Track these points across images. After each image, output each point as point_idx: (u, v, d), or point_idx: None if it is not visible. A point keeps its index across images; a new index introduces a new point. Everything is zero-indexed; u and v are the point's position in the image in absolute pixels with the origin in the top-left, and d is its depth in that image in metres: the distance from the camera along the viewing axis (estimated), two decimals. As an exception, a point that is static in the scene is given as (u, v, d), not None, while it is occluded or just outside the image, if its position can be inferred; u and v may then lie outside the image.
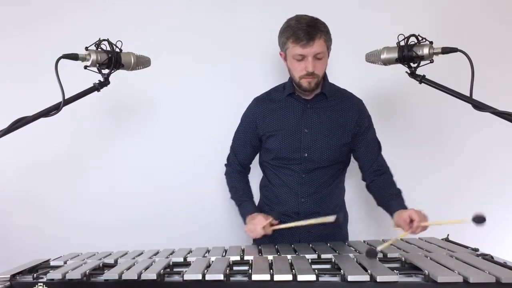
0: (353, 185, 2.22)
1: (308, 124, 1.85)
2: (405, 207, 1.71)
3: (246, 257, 1.52)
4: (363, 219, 2.35)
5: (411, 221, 1.57)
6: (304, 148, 1.83)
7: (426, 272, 1.25)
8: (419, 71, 1.56)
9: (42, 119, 1.42)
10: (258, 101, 1.95)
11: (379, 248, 1.47)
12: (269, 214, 1.78)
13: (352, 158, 1.97)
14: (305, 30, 1.69)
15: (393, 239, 1.61)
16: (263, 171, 2.00)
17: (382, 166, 1.91)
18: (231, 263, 1.47)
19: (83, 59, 1.52)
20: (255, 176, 2.06)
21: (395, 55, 1.56)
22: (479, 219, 1.42)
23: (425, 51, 1.52)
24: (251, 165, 2.05)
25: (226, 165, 2.04)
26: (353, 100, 1.93)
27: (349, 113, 1.88)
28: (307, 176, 1.85)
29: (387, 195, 1.81)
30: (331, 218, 1.60)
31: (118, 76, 1.60)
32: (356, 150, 1.90)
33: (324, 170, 1.86)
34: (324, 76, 1.88)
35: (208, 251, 1.68)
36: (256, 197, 2.01)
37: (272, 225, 1.75)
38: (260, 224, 1.73)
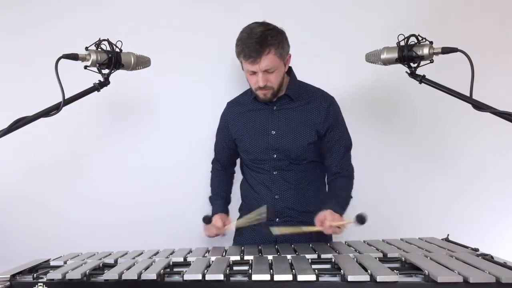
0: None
1: (275, 126, 1.87)
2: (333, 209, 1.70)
3: (246, 257, 1.52)
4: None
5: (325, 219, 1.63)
6: (272, 149, 1.86)
7: (426, 272, 1.25)
8: (419, 71, 1.56)
9: (42, 119, 1.42)
10: (229, 105, 2.01)
11: (277, 232, 1.66)
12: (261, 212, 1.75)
13: None
14: (253, 47, 1.67)
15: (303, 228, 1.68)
16: (242, 172, 2.04)
17: (343, 169, 1.87)
18: (231, 263, 1.47)
19: (83, 59, 1.52)
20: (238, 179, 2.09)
21: (395, 55, 1.56)
22: (360, 219, 1.54)
23: (425, 51, 1.52)
24: (235, 168, 2.11)
25: (212, 162, 2.12)
26: (322, 99, 1.88)
27: (317, 112, 1.85)
28: (279, 173, 1.87)
29: (330, 195, 1.85)
30: (262, 209, 1.72)
31: (118, 76, 1.60)
32: (321, 149, 1.88)
33: (296, 167, 1.87)
34: (291, 74, 1.88)
35: (208, 251, 1.68)
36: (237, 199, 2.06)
37: (225, 225, 1.81)
38: (214, 224, 1.81)
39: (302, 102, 1.87)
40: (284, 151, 1.85)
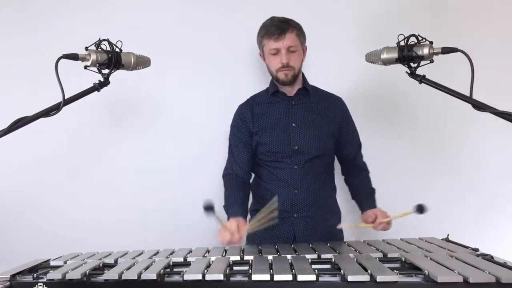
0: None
1: (295, 119, 1.92)
2: (374, 207, 1.87)
3: (246, 257, 1.52)
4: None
5: (376, 217, 1.79)
6: (294, 141, 1.90)
7: (426, 272, 1.25)
8: (419, 71, 1.56)
9: (42, 119, 1.42)
10: (243, 106, 2.03)
11: (341, 226, 1.86)
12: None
13: None
14: (277, 26, 1.83)
15: (359, 225, 1.90)
16: (255, 171, 2.03)
17: (361, 163, 2.03)
18: (231, 263, 1.47)
19: (83, 59, 1.53)
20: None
21: (395, 55, 1.56)
22: (420, 208, 1.64)
23: (425, 51, 1.52)
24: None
25: (223, 176, 1.99)
26: (335, 98, 2.02)
27: (334, 109, 1.97)
28: (299, 167, 1.89)
29: (363, 193, 1.95)
30: (273, 200, 1.68)
31: (118, 76, 1.60)
32: (339, 145, 1.98)
33: (314, 162, 1.90)
34: (303, 75, 1.96)
35: (208, 251, 1.68)
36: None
37: (239, 229, 1.64)
38: (227, 227, 1.64)
39: (318, 99, 1.97)
40: (305, 142, 1.89)
